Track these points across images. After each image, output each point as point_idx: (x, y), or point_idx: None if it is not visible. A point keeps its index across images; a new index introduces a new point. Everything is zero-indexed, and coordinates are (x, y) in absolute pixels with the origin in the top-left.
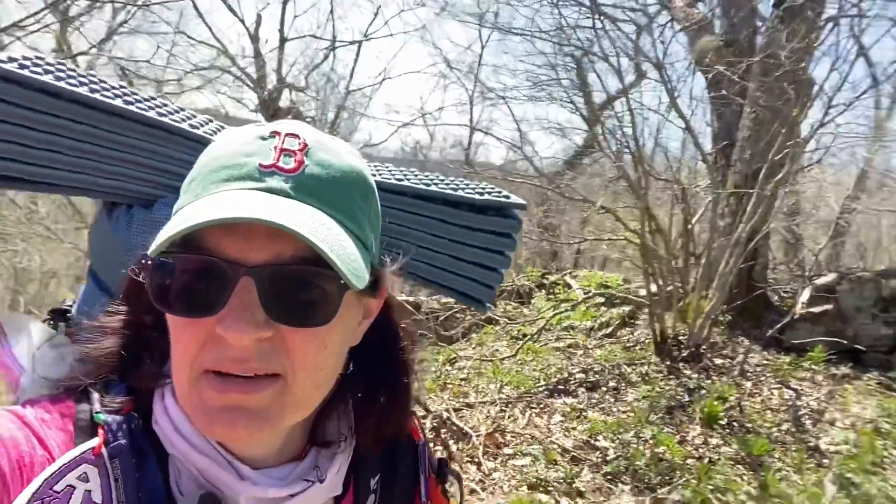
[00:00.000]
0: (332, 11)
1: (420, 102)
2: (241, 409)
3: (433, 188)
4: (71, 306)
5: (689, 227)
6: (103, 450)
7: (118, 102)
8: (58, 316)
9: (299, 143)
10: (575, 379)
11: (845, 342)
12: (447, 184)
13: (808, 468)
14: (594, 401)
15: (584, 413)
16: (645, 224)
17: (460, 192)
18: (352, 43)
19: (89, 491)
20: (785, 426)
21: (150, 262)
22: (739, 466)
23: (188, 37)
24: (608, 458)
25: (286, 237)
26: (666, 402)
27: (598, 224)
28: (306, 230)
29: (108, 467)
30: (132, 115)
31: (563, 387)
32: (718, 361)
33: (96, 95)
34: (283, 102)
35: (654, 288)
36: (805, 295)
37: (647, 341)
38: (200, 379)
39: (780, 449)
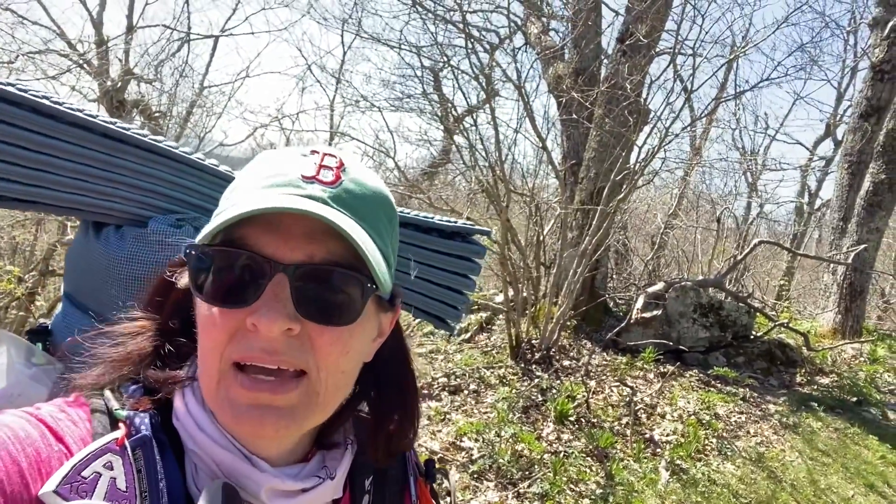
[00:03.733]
0: (187, 2)
1: (278, 104)
2: (270, 407)
3: (408, 214)
4: (47, 327)
5: (542, 238)
6: (126, 441)
7: (114, 127)
8: (35, 336)
9: (336, 162)
10: (438, 383)
11: (671, 343)
12: (415, 214)
13: (645, 457)
14: (457, 404)
15: (448, 416)
16: (506, 235)
17: (431, 220)
18: (207, 37)
19: (114, 478)
20: (624, 420)
21: (192, 253)
22: (589, 458)
23: (17, 14)
24: (474, 458)
25: (321, 240)
26: (523, 402)
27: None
28: (350, 231)
29: (130, 458)
30: (127, 138)
31: (426, 391)
32: (566, 363)
33: (91, 118)
34: (130, 95)
35: (510, 294)
36: (640, 302)
37: (503, 345)
38: (228, 373)
39: (621, 441)
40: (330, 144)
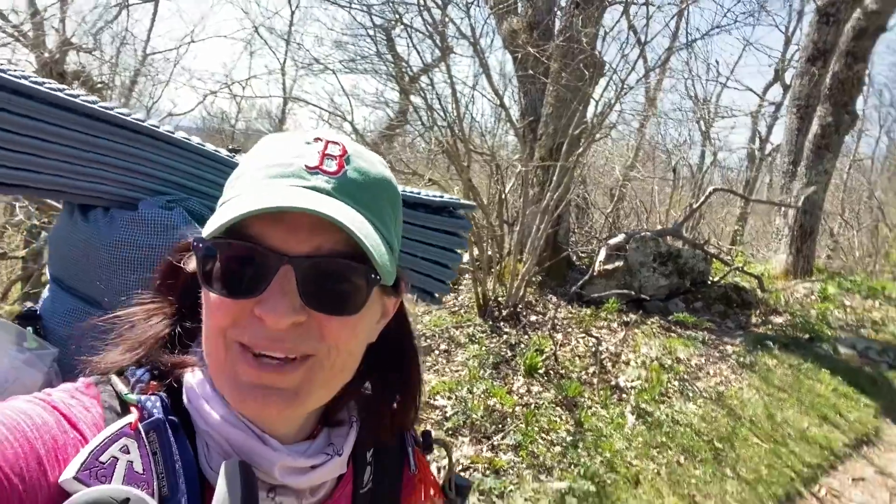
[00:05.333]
0: None
1: (227, 69)
2: (274, 388)
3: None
4: (36, 311)
5: (504, 196)
6: (140, 425)
7: (96, 107)
8: (25, 321)
9: (340, 150)
10: None
11: (633, 293)
12: (402, 190)
13: (612, 403)
14: (429, 364)
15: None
16: (468, 195)
17: (418, 195)
18: (147, 0)
19: (131, 462)
20: (591, 369)
21: (200, 245)
22: (558, 408)
23: None
24: (448, 415)
25: (326, 232)
26: (493, 358)
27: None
28: (349, 224)
29: (145, 441)
30: (110, 118)
31: None
32: (533, 318)
33: (72, 98)
34: (70, 66)
35: (475, 254)
36: (602, 254)
37: (471, 304)
38: (234, 349)
39: (588, 389)
40: (284, 110)
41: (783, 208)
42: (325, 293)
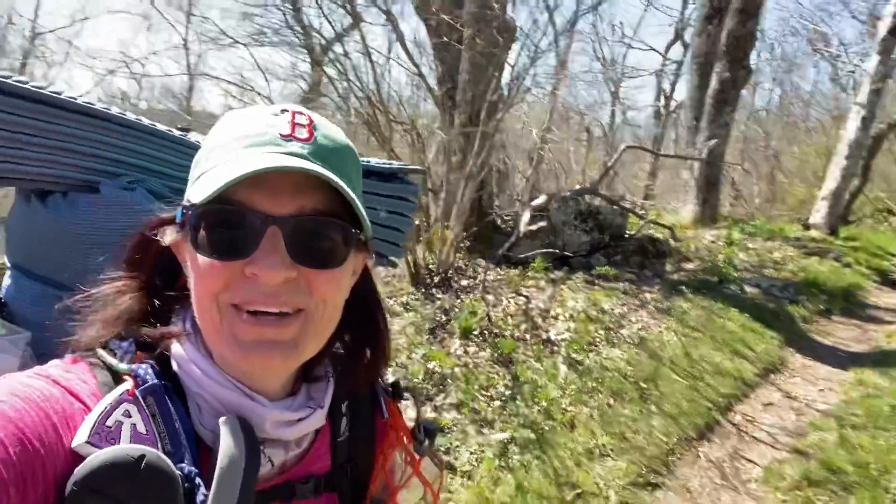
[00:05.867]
0: None
1: (124, 47)
2: (275, 342)
3: None
4: (1, 299)
5: (427, 165)
6: (136, 391)
7: (45, 92)
8: None
9: (307, 119)
10: None
11: (557, 251)
12: None
13: (545, 356)
14: None
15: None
16: None
17: (370, 164)
18: None
19: (134, 424)
20: (523, 326)
21: (191, 213)
22: (496, 365)
23: None
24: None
25: (306, 194)
26: (428, 324)
27: None
28: (338, 180)
29: (143, 405)
30: (60, 102)
31: None
32: (464, 282)
33: (20, 85)
34: None
35: None
36: (526, 216)
37: (402, 274)
38: (229, 312)
39: (522, 345)
40: (190, 87)
41: (689, 161)
42: (312, 250)
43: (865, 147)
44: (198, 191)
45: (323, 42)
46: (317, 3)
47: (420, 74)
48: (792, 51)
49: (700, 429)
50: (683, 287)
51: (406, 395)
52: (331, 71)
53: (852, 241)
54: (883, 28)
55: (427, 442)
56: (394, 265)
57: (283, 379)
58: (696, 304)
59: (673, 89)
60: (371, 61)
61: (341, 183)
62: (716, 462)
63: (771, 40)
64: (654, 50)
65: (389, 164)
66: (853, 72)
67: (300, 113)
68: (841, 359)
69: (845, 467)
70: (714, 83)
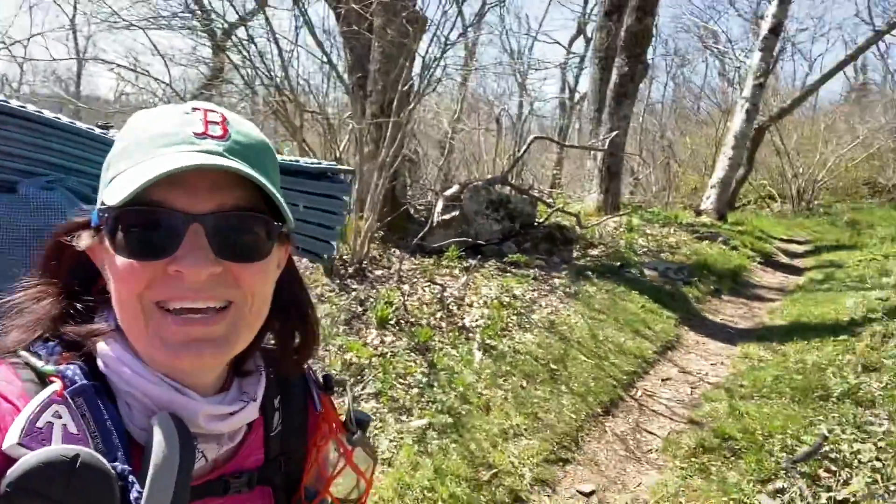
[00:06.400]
0: None
1: (3, 28)
2: (204, 339)
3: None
4: None
5: (339, 155)
6: (65, 392)
7: None
8: None
9: (220, 117)
10: None
11: (470, 240)
12: (282, 159)
13: (460, 342)
14: None
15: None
16: (303, 156)
17: (298, 163)
18: None
19: (65, 425)
20: (438, 314)
21: (108, 216)
22: (412, 354)
23: None
24: None
25: (224, 190)
26: (344, 315)
27: None
28: (257, 175)
29: (73, 406)
30: None
31: None
32: (379, 272)
33: None
34: None
35: None
36: (439, 205)
37: (316, 266)
38: (155, 314)
39: (438, 333)
40: (79, 72)
41: (592, 152)
42: (235, 244)
43: (749, 138)
44: (113, 193)
45: (225, 26)
46: None
47: (330, 63)
48: (684, 46)
49: (606, 405)
50: (589, 272)
51: (338, 387)
52: (235, 57)
53: (739, 225)
54: (765, 27)
55: (359, 432)
56: (325, 262)
57: (215, 374)
58: (601, 287)
59: (577, 82)
60: (278, 47)
61: (258, 176)
62: (620, 435)
63: (665, 36)
64: (559, 43)
65: (318, 163)
66: (738, 67)
67: (212, 111)
68: (730, 335)
69: (735, 434)
70: (614, 77)
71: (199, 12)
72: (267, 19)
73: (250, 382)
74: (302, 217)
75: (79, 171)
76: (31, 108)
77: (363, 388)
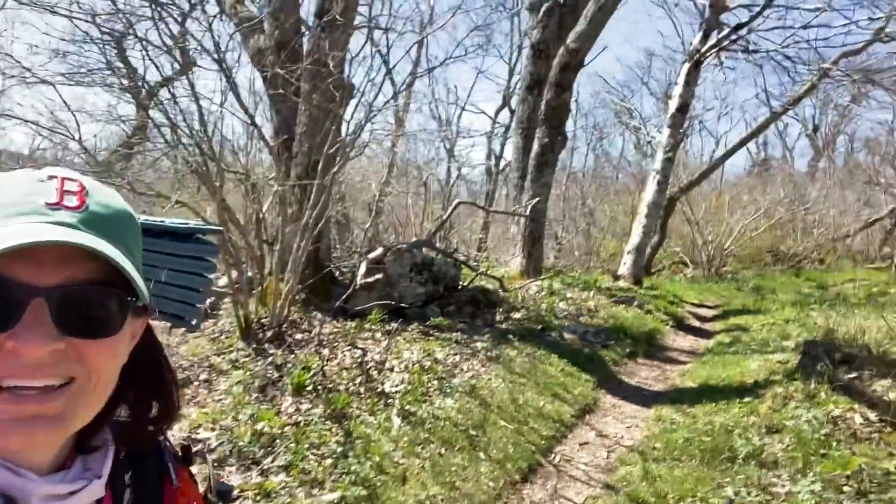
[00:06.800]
0: None
1: None
2: (39, 417)
3: (140, 219)
4: None
5: (261, 216)
6: None
7: None
8: None
9: (77, 186)
10: None
11: (393, 303)
12: (146, 219)
13: (379, 409)
14: (188, 396)
15: (178, 413)
16: (223, 216)
17: (163, 224)
18: None
19: None
20: (358, 380)
21: None
22: (328, 422)
23: None
24: (212, 447)
25: (75, 263)
26: (258, 381)
27: (162, 216)
28: (105, 251)
29: None
30: None
31: None
32: (299, 336)
33: None
34: None
35: (234, 276)
36: (363, 268)
37: (232, 329)
38: None
39: (356, 399)
40: None
41: (516, 217)
42: (82, 319)
43: (662, 207)
44: None
45: (148, 86)
46: (143, 46)
47: (254, 124)
48: (602, 120)
49: (524, 472)
50: (511, 335)
51: (197, 458)
52: (157, 115)
53: (653, 290)
54: (672, 106)
55: None
56: (192, 328)
57: (52, 452)
58: (522, 350)
59: (502, 149)
60: (199, 108)
61: (110, 251)
62: (538, 503)
63: (585, 110)
64: (485, 113)
65: (186, 223)
66: (650, 142)
67: (70, 179)
68: (644, 397)
69: (648, 499)
70: (536, 147)
71: (121, 70)
72: (190, 82)
73: (95, 458)
74: (166, 280)
75: None
76: None
77: (273, 461)
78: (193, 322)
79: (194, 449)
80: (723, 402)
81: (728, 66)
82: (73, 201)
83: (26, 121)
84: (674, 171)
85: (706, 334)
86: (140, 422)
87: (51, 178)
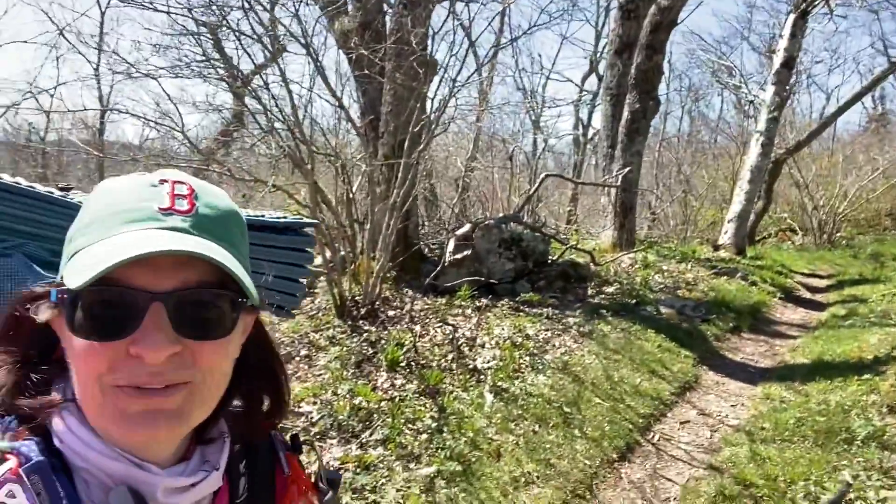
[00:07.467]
0: None
1: (30, 77)
2: (160, 411)
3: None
4: None
5: (351, 196)
6: (20, 470)
7: None
8: None
9: (187, 189)
10: None
11: (482, 279)
12: (247, 214)
13: (471, 385)
14: (290, 372)
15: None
16: (315, 197)
17: (263, 219)
18: None
19: None
20: (450, 356)
21: (66, 296)
22: (422, 398)
23: None
24: (314, 420)
25: (189, 267)
26: (354, 357)
27: (261, 200)
28: (217, 257)
29: (28, 484)
30: None
31: None
32: (391, 313)
33: None
34: None
35: (328, 256)
36: (451, 245)
37: (328, 307)
38: (112, 390)
39: (449, 375)
40: (102, 120)
41: (606, 188)
42: (197, 322)
43: (766, 171)
44: (74, 272)
45: (243, 74)
46: (236, 36)
47: (341, 106)
48: (698, 81)
49: (621, 450)
50: (603, 310)
51: (306, 446)
52: (252, 102)
53: (758, 260)
54: (777, 61)
55: (330, 492)
56: (291, 316)
57: (173, 446)
58: (616, 326)
59: (590, 118)
60: (289, 93)
61: (222, 259)
62: (637, 483)
63: (679, 72)
64: (571, 81)
65: (285, 217)
66: (752, 101)
67: (180, 182)
68: (750, 374)
69: (756, 481)
70: (626, 114)
71: (218, 62)
72: (280, 69)
73: (213, 450)
74: (267, 271)
75: (36, 236)
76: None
77: (371, 435)
78: (294, 311)
79: (302, 438)
80: (839, 379)
81: (839, 14)
82: (183, 205)
83: (135, 115)
84: (780, 132)
85: (818, 306)
86: (252, 416)
87: (162, 182)
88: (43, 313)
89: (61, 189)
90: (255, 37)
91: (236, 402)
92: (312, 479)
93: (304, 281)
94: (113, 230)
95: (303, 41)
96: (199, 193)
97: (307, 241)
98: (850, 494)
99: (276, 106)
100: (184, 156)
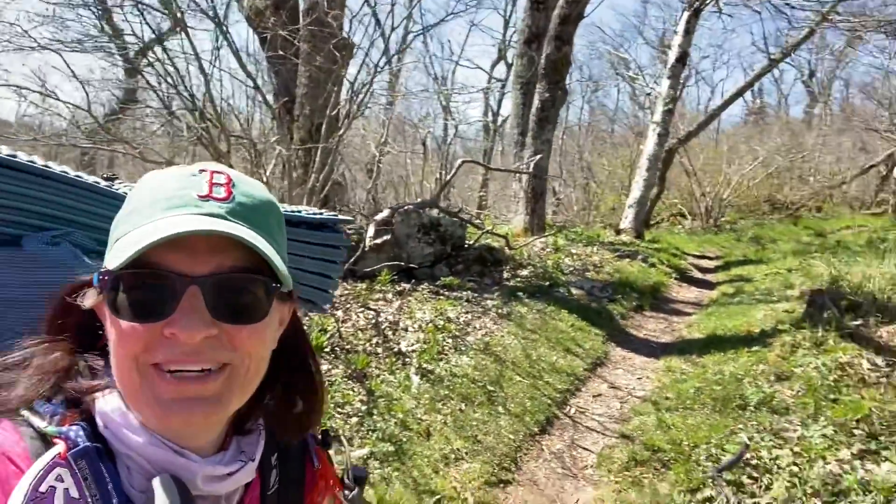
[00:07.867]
0: None
1: None
2: (197, 398)
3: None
4: None
5: (267, 180)
6: (68, 455)
7: None
8: None
9: (225, 178)
10: None
11: (402, 263)
12: (282, 209)
13: (398, 368)
14: None
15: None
16: None
17: (299, 214)
18: None
19: (67, 489)
20: (374, 340)
21: (107, 278)
22: (350, 382)
23: None
24: None
25: (225, 252)
26: None
27: None
28: (250, 239)
29: (76, 469)
30: None
31: None
32: None
33: None
34: None
35: None
36: (371, 230)
37: None
38: (150, 373)
39: (375, 359)
40: None
41: (517, 174)
42: (232, 306)
43: (661, 159)
44: (114, 256)
45: (140, 46)
46: (135, 2)
47: (256, 86)
48: (598, 72)
49: (542, 424)
50: (520, 293)
51: (336, 442)
52: (151, 78)
53: (655, 243)
54: (672, 56)
55: (356, 489)
56: (323, 311)
57: (213, 434)
58: (532, 307)
59: (499, 105)
60: (201, 67)
61: (256, 242)
62: (557, 453)
63: (580, 63)
64: (480, 68)
65: (319, 213)
66: (649, 94)
67: (218, 172)
68: (653, 349)
69: (663, 446)
70: (536, 102)
71: (108, 32)
72: (190, 39)
73: (249, 442)
74: (302, 267)
75: (84, 225)
76: (38, 162)
77: None
78: (325, 306)
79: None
80: (731, 351)
81: (727, 13)
82: (221, 193)
83: (21, 87)
84: (672, 123)
85: (709, 285)
86: (286, 417)
87: (202, 171)
88: (88, 299)
89: (106, 179)
90: (155, 6)
91: (271, 402)
92: (340, 475)
93: (336, 278)
94: (151, 217)
95: (210, 14)
96: (237, 182)
97: (340, 238)
98: (747, 454)
99: (183, 84)
100: (71, 133)
